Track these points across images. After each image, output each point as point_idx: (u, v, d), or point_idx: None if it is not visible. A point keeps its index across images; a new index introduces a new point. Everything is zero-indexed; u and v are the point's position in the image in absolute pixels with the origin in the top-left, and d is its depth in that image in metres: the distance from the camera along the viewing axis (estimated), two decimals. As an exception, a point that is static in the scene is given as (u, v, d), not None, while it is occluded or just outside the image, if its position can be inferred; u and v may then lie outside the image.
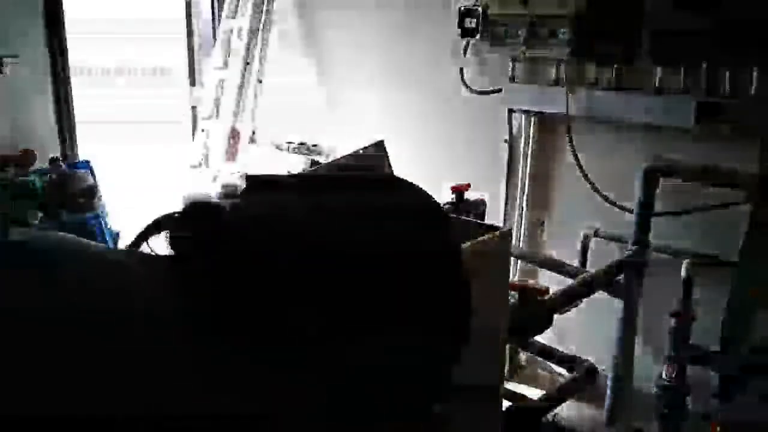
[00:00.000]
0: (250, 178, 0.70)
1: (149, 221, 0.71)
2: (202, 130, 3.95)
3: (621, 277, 2.13)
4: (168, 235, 0.66)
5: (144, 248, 0.70)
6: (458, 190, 2.23)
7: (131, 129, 3.93)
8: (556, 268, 2.44)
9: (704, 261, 2.02)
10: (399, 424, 0.72)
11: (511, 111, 2.70)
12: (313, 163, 3.21)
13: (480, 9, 2.61)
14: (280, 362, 0.61)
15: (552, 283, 2.26)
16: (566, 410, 2.38)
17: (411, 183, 0.79)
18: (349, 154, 1.57)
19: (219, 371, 0.58)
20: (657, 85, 2.16)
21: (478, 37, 2.66)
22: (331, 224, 0.66)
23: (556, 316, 1.85)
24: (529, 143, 2.66)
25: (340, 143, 3.26)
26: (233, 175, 3.17)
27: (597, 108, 2.33)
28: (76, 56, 3.38)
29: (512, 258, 2.55)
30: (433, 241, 0.73)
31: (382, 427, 0.70)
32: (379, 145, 1.58)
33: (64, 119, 3.34)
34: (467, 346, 0.78)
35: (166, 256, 0.66)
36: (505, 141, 2.75)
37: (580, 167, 2.41)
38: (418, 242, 0.70)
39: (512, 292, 1.75)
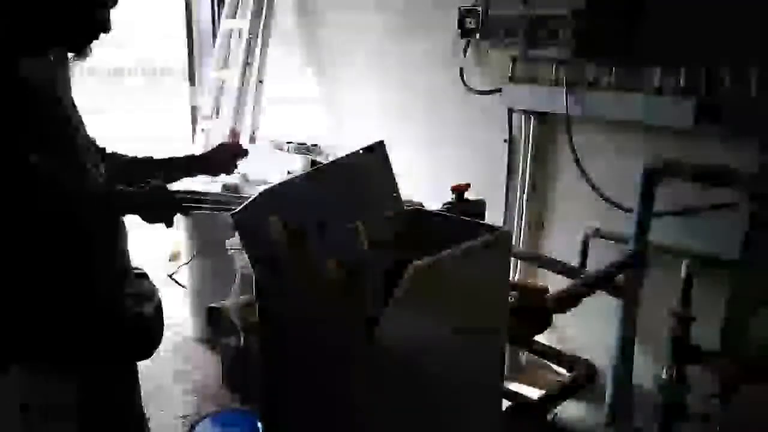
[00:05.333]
0: None
1: None
2: (202, 130, 3.96)
3: (621, 277, 2.13)
4: None
5: None
6: (458, 190, 2.23)
7: (132, 129, 3.93)
8: (556, 268, 2.44)
9: (704, 261, 2.02)
10: None
11: (511, 111, 2.70)
12: (313, 163, 3.21)
13: (480, 9, 2.61)
14: None
15: (552, 283, 2.26)
16: (566, 410, 2.38)
17: None
18: (349, 154, 1.57)
19: None
20: (657, 85, 2.17)
21: (478, 37, 2.66)
22: None
23: (556, 316, 1.86)
24: (529, 143, 2.66)
25: (340, 143, 3.26)
26: (233, 175, 3.17)
27: (597, 108, 2.33)
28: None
29: (512, 258, 2.56)
30: None
31: None
32: (379, 145, 1.57)
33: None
34: None
35: None
36: (505, 141, 2.75)
37: (580, 167, 2.41)
38: None
39: (512, 292, 1.75)
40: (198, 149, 3.85)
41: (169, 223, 1.38)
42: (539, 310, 1.79)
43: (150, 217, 1.34)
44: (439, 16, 2.86)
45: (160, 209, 1.34)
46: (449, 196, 2.23)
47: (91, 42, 1.23)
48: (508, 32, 2.51)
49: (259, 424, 1.65)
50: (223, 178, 3.13)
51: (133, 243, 1.37)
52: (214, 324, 2.55)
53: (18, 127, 1.03)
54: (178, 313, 3.28)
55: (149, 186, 1.35)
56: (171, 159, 1.56)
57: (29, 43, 1.11)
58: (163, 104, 4.17)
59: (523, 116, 2.66)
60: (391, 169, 1.62)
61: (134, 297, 1.25)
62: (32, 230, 1.05)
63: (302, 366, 1.41)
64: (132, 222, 1.33)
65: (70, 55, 1.24)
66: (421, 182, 2.62)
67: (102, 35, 1.22)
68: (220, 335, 2.83)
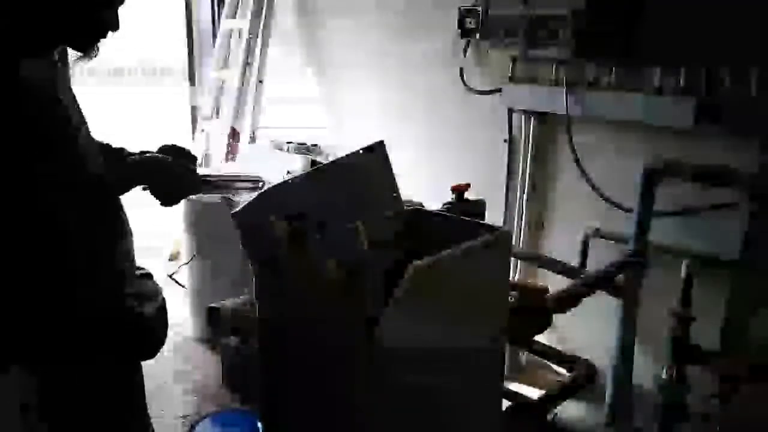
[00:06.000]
0: None
1: None
2: (202, 130, 3.96)
3: (621, 277, 2.13)
4: None
5: None
6: (458, 190, 2.23)
7: (131, 129, 3.93)
8: (556, 268, 2.44)
9: (704, 261, 2.02)
10: None
11: (511, 111, 2.70)
12: (313, 163, 3.21)
13: (480, 9, 2.61)
14: None
15: (552, 283, 2.26)
16: (566, 410, 2.38)
17: None
18: (349, 154, 1.57)
19: None
20: (657, 85, 2.17)
21: (478, 37, 2.66)
22: None
23: (556, 316, 1.86)
24: (529, 143, 2.66)
25: (340, 143, 3.26)
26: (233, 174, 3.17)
27: (597, 108, 2.33)
28: (75, 56, 3.38)
29: (512, 258, 2.56)
30: None
31: None
32: (379, 145, 1.57)
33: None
34: None
35: None
36: (505, 141, 2.75)
37: (580, 167, 2.41)
38: None
39: (512, 292, 1.75)
40: (198, 148, 3.85)
41: (194, 188, 1.39)
42: (539, 310, 1.80)
43: (165, 185, 1.35)
44: (439, 16, 2.86)
45: (175, 170, 1.35)
46: (449, 196, 2.23)
47: (98, 41, 1.21)
48: (508, 32, 2.51)
49: (259, 424, 1.65)
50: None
51: (134, 242, 1.37)
52: (214, 324, 2.55)
53: (16, 127, 1.02)
54: (178, 313, 3.28)
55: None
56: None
57: (33, 43, 1.10)
58: (163, 104, 4.17)
59: (523, 116, 2.66)
60: (391, 169, 1.62)
61: (135, 297, 1.25)
62: (31, 230, 1.05)
63: (302, 366, 1.41)
64: (133, 222, 1.33)
65: (75, 54, 1.23)
66: (421, 182, 2.62)
67: (108, 34, 1.20)
68: (220, 335, 2.83)
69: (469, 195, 2.24)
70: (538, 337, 2.17)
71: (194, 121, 4.16)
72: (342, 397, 1.31)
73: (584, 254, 2.45)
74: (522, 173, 2.70)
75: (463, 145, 2.93)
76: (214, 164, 3.73)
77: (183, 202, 3.17)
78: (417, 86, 3.09)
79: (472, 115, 2.86)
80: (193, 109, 4.19)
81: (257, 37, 3.65)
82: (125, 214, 1.31)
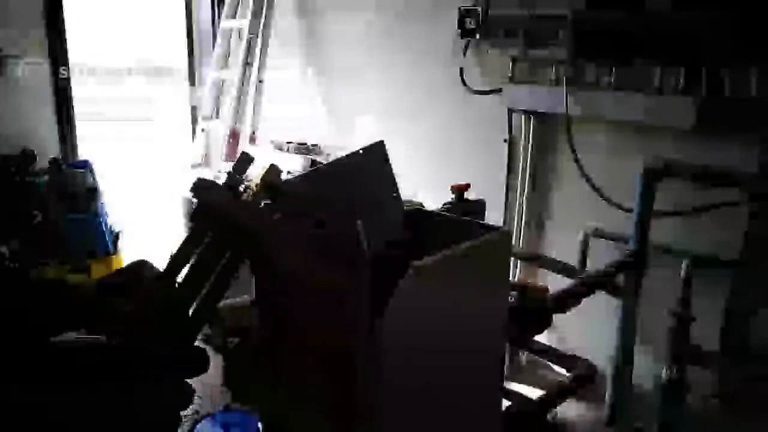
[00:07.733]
0: None
1: None
2: (202, 130, 3.96)
3: (621, 277, 2.13)
4: None
5: None
6: (458, 190, 2.23)
7: (132, 129, 3.94)
8: (556, 268, 2.44)
9: (704, 261, 2.02)
10: None
11: (511, 111, 2.70)
12: (313, 163, 3.21)
13: (480, 9, 2.61)
14: None
15: (552, 283, 2.26)
16: (566, 410, 2.38)
17: None
18: (349, 154, 1.57)
19: None
20: (657, 85, 2.17)
21: (478, 37, 2.66)
22: None
23: (556, 316, 1.85)
24: (529, 143, 2.66)
25: (340, 143, 3.26)
26: (233, 175, 3.17)
27: (597, 108, 2.33)
28: (76, 56, 3.39)
29: (512, 258, 2.56)
30: None
31: None
32: (379, 145, 1.57)
33: (64, 119, 3.34)
34: None
35: None
36: (505, 141, 2.75)
37: (580, 167, 2.41)
38: None
39: (512, 292, 1.75)
40: (198, 148, 3.85)
41: None
42: (539, 310, 1.80)
43: None
44: (439, 16, 2.86)
45: None
46: (449, 196, 2.23)
47: None
48: (508, 32, 2.52)
49: (259, 425, 1.65)
50: (224, 179, 3.13)
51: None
52: (214, 324, 2.55)
53: None
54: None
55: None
56: None
57: None
58: (163, 104, 4.17)
59: (523, 116, 2.66)
60: (391, 169, 1.61)
61: None
62: None
63: (302, 366, 1.41)
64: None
65: None
66: (421, 182, 2.62)
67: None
68: (220, 335, 2.83)
69: (469, 195, 2.24)
70: (538, 337, 2.17)
71: (194, 121, 4.16)
72: (341, 397, 1.31)
73: (584, 254, 2.45)
74: (522, 173, 2.70)
75: (463, 145, 2.93)
76: (214, 164, 3.73)
77: (183, 201, 3.17)
78: (417, 86, 3.09)
79: (472, 115, 2.86)
80: (193, 109, 4.19)
81: (257, 37, 3.65)
82: None
